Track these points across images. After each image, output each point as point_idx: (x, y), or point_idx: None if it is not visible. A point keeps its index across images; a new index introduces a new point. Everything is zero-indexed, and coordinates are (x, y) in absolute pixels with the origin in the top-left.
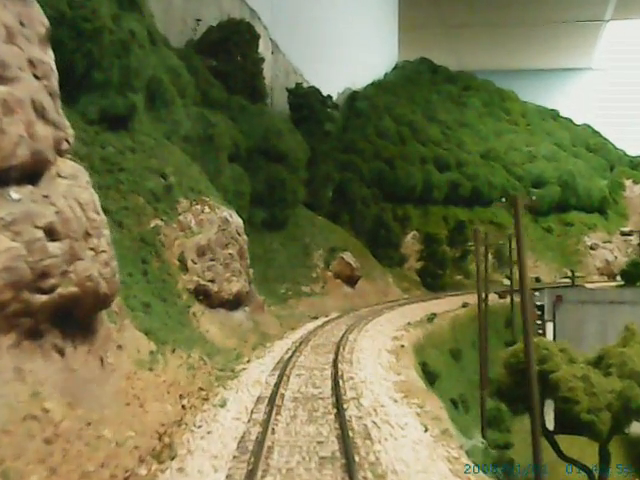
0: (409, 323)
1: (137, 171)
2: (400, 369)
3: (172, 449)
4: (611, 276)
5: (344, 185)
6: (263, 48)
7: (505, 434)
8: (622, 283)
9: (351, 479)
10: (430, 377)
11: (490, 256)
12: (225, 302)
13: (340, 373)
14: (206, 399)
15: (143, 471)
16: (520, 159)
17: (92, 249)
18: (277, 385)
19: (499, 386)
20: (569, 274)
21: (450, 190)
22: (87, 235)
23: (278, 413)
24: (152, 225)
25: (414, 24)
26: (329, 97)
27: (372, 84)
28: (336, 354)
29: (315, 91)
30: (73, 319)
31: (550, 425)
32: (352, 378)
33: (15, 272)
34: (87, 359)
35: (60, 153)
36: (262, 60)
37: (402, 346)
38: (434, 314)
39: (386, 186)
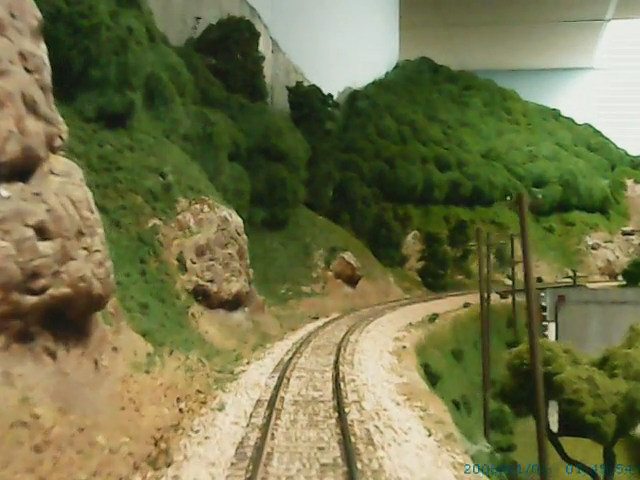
0: (410, 324)
1: (135, 170)
2: (402, 371)
3: (168, 455)
4: (612, 276)
5: (345, 184)
6: (263, 47)
7: (508, 436)
8: (624, 283)
9: None
10: (432, 378)
11: (491, 256)
12: (224, 302)
13: (341, 375)
14: (204, 402)
15: (137, 479)
16: (521, 159)
17: (85, 248)
18: (277, 388)
19: (502, 388)
20: (571, 274)
21: (451, 190)
22: (80, 234)
23: (278, 417)
24: (150, 224)
25: (415, 23)
26: (330, 96)
27: (373, 83)
28: (337, 355)
29: (316, 90)
30: (66, 321)
31: (554, 427)
32: (353, 380)
33: (4, 272)
34: (80, 362)
35: (53, 150)
36: (262, 59)
37: (404, 347)
38: (436, 314)
39: (387, 186)
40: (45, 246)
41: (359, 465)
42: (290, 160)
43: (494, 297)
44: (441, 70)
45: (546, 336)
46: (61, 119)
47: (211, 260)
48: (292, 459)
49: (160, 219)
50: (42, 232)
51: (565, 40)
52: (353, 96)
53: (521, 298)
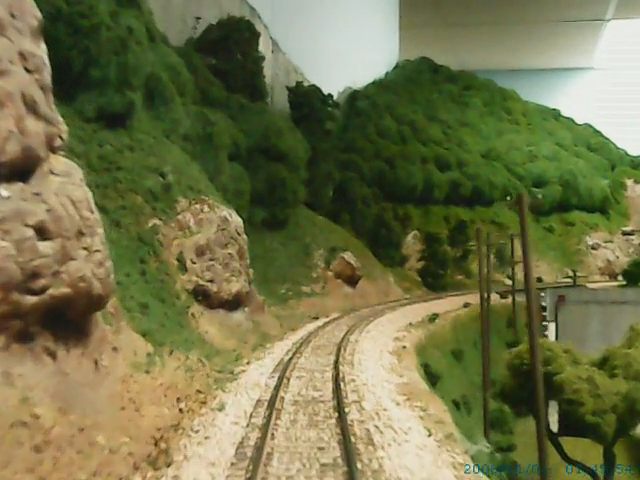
0: (410, 323)
1: (135, 170)
2: (402, 371)
3: (168, 455)
4: (612, 276)
5: (345, 184)
6: (263, 47)
7: (508, 436)
8: (624, 283)
9: None
10: (432, 378)
11: (491, 256)
12: (224, 302)
13: (341, 375)
14: (204, 402)
15: (137, 479)
16: (521, 159)
17: (85, 248)
18: (277, 388)
19: (502, 388)
20: (570, 274)
21: (451, 190)
22: (80, 234)
23: (278, 417)
24: (150, 224)
25: (415, 23)
26: (330, 96)
27: (373, 83)
28: (337, 355)
29: (316, 89)
30: (66, 321)
31: (554, 427)
32: (353, 380)
33: (4, 272)
34: (80, 362)
35: (53, 149)
36: (262, 59)
37: (404, 347)
38: (436, 314)
39: (387, 186)
40: (45, 246)
41: (359, 465)
42: (290, 160)
43: (494, 297)
44: (441, 70)
45: (546, 336)
46: (61, 119)
47: (211, 260)
48: (292, 459)
49: (160, 219)
50: (42, 232)
51: (565, 40)
52: (353, 96)
53: (521, 298)
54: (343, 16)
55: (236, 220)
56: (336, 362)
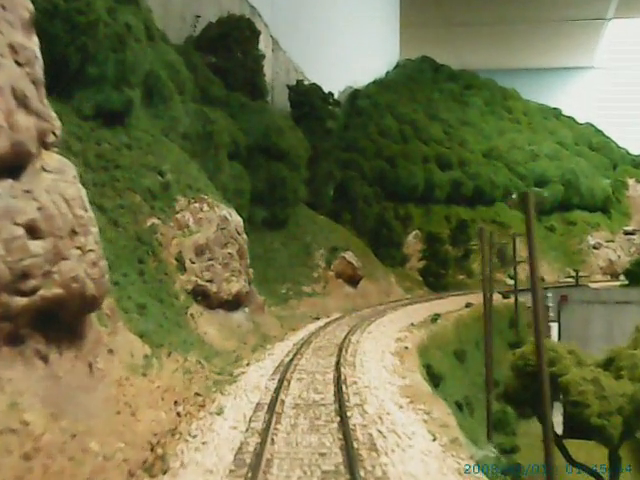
0: (412, 324)
1: (133, 168)
2: (405, 372)
3: (164, 461)
4: (614, 275)
5: (346, 184)
6: (263, 45)
7: (511, 437)
8: (626, 283)
9: None
10: (434, 379)
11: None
12: (224, 303)
13: (343, 377)
14: (202, 406)
15: None
16: (522, 158)
17: (78, 248)
18: (277, 390)
19: (506, 389)
20: (572, 274)
21: (452, 189)
22: (73, 233)
23: (278, 421)
24: (149, 224)
25: (415, 22)
26: (330, 94)
27: (373, 82)
28: (338, 357)
29: (316, 88)
30: (58, 323)
31: (558, 429)
32: (355, 382)
33: None
34: (74, 365)
35: (45, 146)
36: (262, 57)
37: (406, 348)
38: (438, 314)
39: (388, 185)
40: (36, 245)
41: (362, 472)
42: (290, 159)
43: (496, 297)
44: (442, 69)
45: (549, 336)
46: (54, 114)
47: (210, 260)
48: (292, 466)
49: (159, 218)
50: (33, 231)
51: (566, 39)
52: (354, 95)
53: (523, 298)
54: (344, 15)
55: (236, 219)
56: (337, 363)
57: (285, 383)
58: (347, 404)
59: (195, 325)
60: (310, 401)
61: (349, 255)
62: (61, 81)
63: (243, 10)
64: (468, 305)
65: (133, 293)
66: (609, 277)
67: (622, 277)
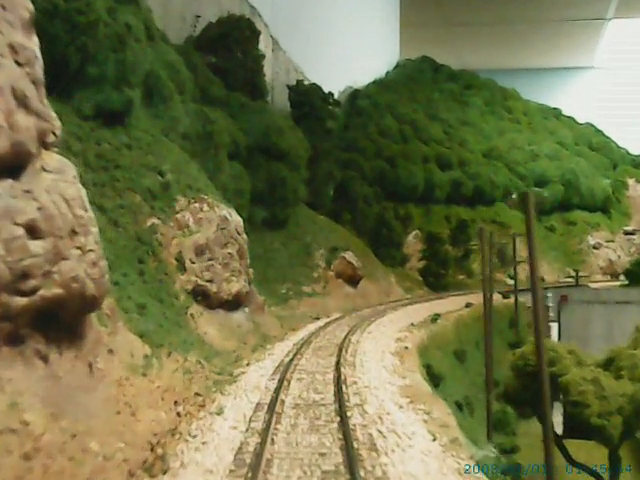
0: (412, 324)
1: (133, 168)
2: (405, 372)
3: (164, 461)
4: (614, 275)
5: (346, 184)
6: (263, 45)
7: (511, 437)
8: (626, 283)
9: None
10: (434, 379)
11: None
12: (224, 303)
13: (343, 377)
14: (202, 406)
15: None
16: (522, 158)
17: (78, 248)
18: (277, 390)
19: (506, 389)
20: (572, 274)
21: (452, 189)
22: (73, 233)
23: (278, 421)
24: (149, 224)
25: (415, 22)
26: (330, 94)
27: (373, 82)
28: (338, 357)
29: (316, 88)
30: (58, 323)
31: (558, 429)
32: (355, 382)
33: None
34: (74, 365)
35: (45, 146)
36: (262, 57)
37: (406, 348)
38: (438, 314)
39: (388, 185)
40: (36, 245)
41: (362, 472)
42: (290, 159)
43: (496, 297)
44: (442, 69)
45: (549, 336)
46: (54, 114)
47: (210, 260)
48: (292, 466)
49: (159, 218)
50: (33, 231)
51: (566, 39)
52: (354, 95)
53: (523, 298)
54: (344, 15)
55: (236, 219)
56: (337, 363)
57: (285, 383)
58: (347, 404)
59: (195, 325)
60: (310, 401)
61: (349, 255)
62: (61, 81)
63: (243, 10)
64: (468, 305)
65: (133, 293)
66: (609, 277)
67: (622, 277)
